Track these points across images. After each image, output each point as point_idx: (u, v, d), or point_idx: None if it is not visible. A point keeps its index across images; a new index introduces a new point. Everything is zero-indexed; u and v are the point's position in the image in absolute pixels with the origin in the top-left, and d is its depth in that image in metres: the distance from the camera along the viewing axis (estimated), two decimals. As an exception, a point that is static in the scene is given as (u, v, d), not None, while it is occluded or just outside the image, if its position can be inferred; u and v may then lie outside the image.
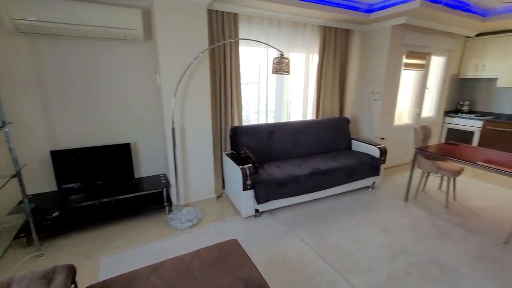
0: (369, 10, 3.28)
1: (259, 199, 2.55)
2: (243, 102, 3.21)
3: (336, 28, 3.54)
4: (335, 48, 3.62)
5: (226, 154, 2.97)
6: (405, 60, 3.76)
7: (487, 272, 1.95)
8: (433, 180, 3.62)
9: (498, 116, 4.35)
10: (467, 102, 4.69)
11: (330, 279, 1.87)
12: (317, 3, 2.90)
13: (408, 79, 4.08)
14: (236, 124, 3.14)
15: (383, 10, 3.13)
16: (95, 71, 2.54)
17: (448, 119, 4.68)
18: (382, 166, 3.30)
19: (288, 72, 2.63)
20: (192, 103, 2.71)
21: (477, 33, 4.22)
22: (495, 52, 4.14)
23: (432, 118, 4.55)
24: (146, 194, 2.84)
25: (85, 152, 2.53)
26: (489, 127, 4.12)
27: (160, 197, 2.78)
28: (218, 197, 3.17)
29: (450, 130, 4.67)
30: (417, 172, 3.73)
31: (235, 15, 2.83)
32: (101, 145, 2.62)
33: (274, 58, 2.60)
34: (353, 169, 3.04)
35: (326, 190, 2.96)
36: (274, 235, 2.40)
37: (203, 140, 2.86)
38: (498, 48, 4.09)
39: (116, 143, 2.73)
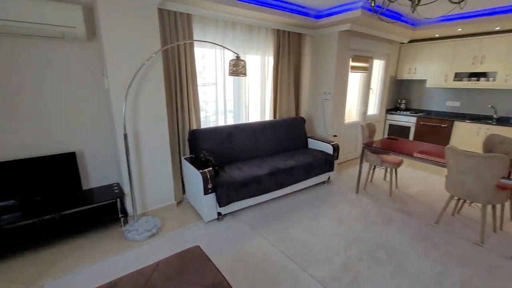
0: (318, 16, 3.50)
1: (221, 202, 2.54)
2: (202, 104, 3.16)
3: (289, 32, 3.69)
4: (289, 51, 3.78)
5: (185, 159, 2.89)
6: (351, 63, 4.09)
7: (423, 250, 2.24)
8: (379, 172, 4.01)
9: (428, 112, 5.02)
10: (404, 101, 5.29)
11: (293, 274, 1.96)
12: (270, 7, 2.99)
13: (354, 80, 4.45)
14: (194, 126, 3.07)
15: (330, 17, 3.36)
16: (29, 73, 2.25)
17: (389, 116, 5.23)
18: (336, 162, 3.55)
19: (244, 74, 2.66)
20: (146, 106, 2.57)
21: (409, 40, 4.79)
22: (423, 57, 4.75)
23: (376, 115, 5.04)
24: (97, 207, 2.62)
25: (19, 165, 2.23)
26: (421, 122, 4.72)
27: (114, 209, 2.59)
28: (179, 203, 3.07)
29: (391, 126, 5.22)
30: (365, 165, 4.11)
31: (189, 15, 2.77)
32: (40, 155, 2.33)
33: (231, 60, 2.61)
34: (310, 166, 3.21)
35: (286, 188, 3.07)
36: (237, 237, 2.42)
37: (160, 145, 2.74)
38: (426, 53, 4.71)
39: (59, 152, 2.46)
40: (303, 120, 3.92)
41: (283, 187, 3.01)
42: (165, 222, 2.67)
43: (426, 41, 4.69)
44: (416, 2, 1.40)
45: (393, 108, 5.44)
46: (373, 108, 5.00)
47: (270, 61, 3.70)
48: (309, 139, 3.87)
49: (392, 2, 1.43)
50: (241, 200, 2.70)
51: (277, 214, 2.83)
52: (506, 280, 1.91)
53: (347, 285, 1.86)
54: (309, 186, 3.47)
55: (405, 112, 5.06)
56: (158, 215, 2.76)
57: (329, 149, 3.53)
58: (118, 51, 2.32)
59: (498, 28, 3.74)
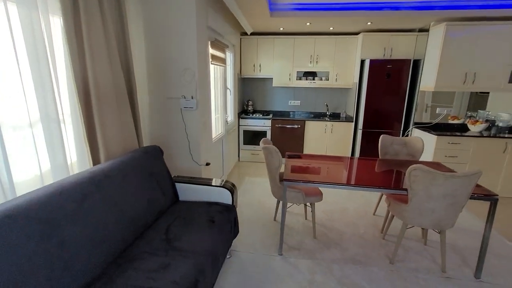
0: None
1: None
2: None
3: (95, -39, 1.59)
4: (102, 10, 1.68)
5: None
6: (211, 51, 2.68)
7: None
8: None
9: (275, 113, 4.70)
10: (250, 102, 4.66)
11: None
12: None
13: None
14: None
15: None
16: None
17: (241, 121, 4.40)
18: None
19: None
20: None
21: (251, 31, 4.07)
22: (266, 52, 4.23)
23: (232, 122, 4.01)
24: None
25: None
26: (277, 125, 4.28)
27: None
28: None
29: (245, 132, 4.43)
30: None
31: None
32: None
33: None
34: (215, 249, 1.54)
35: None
36: None
37: None
38: (268, 49, 4.20)
39: None
40: (159, 152, 2.04)
41: None
42: None
43: (267, 35, 4.21)
44: None
45: (242, 111, 4.69)
46: (229, 113, 3.93)
47: (55, 25, 1.45)
48: (177, 185, 2.08)
49: None
50: None
51: None
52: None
53: None
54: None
55: (255, 114, 4.44)
56: None
57: (223, 196, 2.00)
58: None
59: (332, 28, 3.84)
